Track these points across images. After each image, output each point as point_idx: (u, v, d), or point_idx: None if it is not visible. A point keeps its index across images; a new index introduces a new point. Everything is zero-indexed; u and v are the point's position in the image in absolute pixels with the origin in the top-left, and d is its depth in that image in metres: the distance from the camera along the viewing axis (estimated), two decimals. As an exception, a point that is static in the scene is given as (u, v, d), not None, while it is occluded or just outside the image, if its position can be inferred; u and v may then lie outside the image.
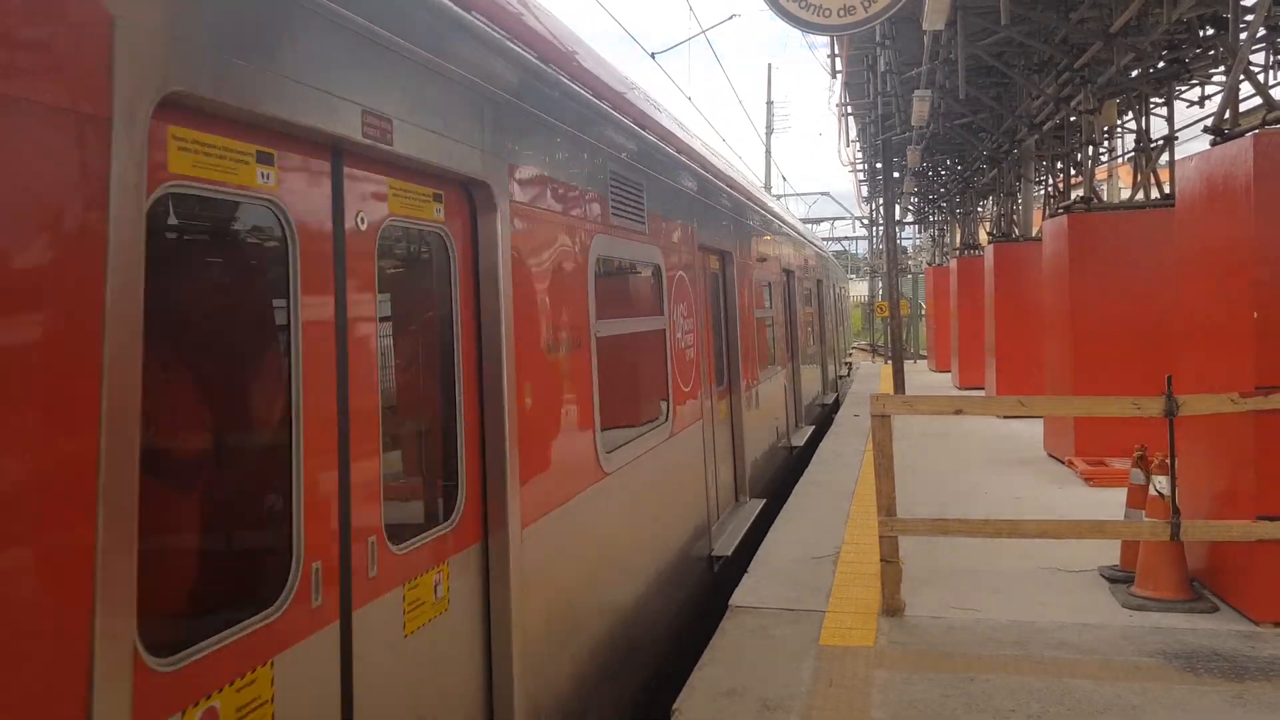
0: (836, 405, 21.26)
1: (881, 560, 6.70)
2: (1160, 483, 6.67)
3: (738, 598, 7.12)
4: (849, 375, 30.13)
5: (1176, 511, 6.41)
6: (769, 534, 9.02)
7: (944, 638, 6.22)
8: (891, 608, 6.67)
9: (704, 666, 5.87)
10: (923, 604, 6.82)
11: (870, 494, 6.94)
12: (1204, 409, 6.27)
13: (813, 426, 16.66)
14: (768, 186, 45.51)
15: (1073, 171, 14.56)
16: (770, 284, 12.93)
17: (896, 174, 23.44)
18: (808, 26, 8.27)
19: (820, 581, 7.47)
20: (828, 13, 8.14)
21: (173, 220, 2.47)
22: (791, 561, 8.06)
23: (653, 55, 22.39)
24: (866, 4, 8.04)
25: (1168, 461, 6.57)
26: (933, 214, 36.48)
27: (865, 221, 46.86)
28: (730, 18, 26.13)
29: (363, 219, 3.16)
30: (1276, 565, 6.11)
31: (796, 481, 11.66)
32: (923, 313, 39.61)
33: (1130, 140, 15.39)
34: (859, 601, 6.95)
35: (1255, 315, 6.08)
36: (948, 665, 5.77)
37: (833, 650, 6.07)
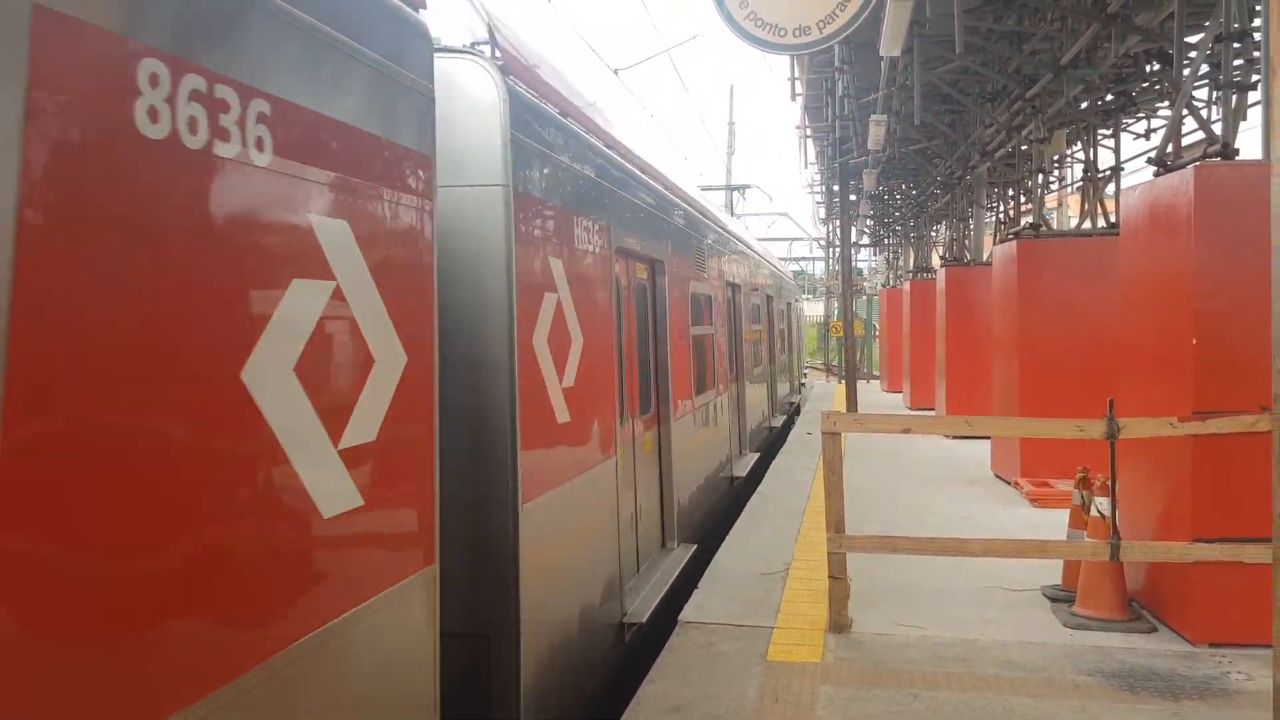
0: (787, 429, 20.30)
1: (830, 577, 6.77)
2: (1101, 504, 6.82)
3: (687, 614, 7.14)
4: (803, 395, 30.32)
5: (1116, 532, 6.56)
6: (719, 551, 9.06)
7: (890, 654, 6.29)
8: (839, 624, 6.73)
9: (651, 682, 5.89)
10: (870, 621, 6.90)
11: (821, 511, 7.01)
12: (1144, 432, 6.43)
13: (757, 454, 15.50)
14: (729, 207, 45.78)
15: (1023, 199, 14.86)
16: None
17: (853, 196, 23.73)
18: (764, 45, 8.38)
19: (769, 597, 7.53)
20: (783, 33, 8.26)
21: None
22: (742, 577, 8.11)
23: (616, 72, 22.53)
24: (821, 25, 8.17)
25: (1109, 483, 6.73)
26: (888, 237, 36.96)
27: (822, 243, 47.28)
28: (693, 37, 26.36)
29: None
30: (1212, 587, 6.26)
31: (737, 518, 10.81)
32: (876, 334, 40.05)
33: (1079, 170, 15.77)
34: (807, 618, 7.01)
35: (1194, 342, 6.25)
36: (893, 682, 5.84)
37: (780, 666, 6.12)
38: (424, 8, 4.08)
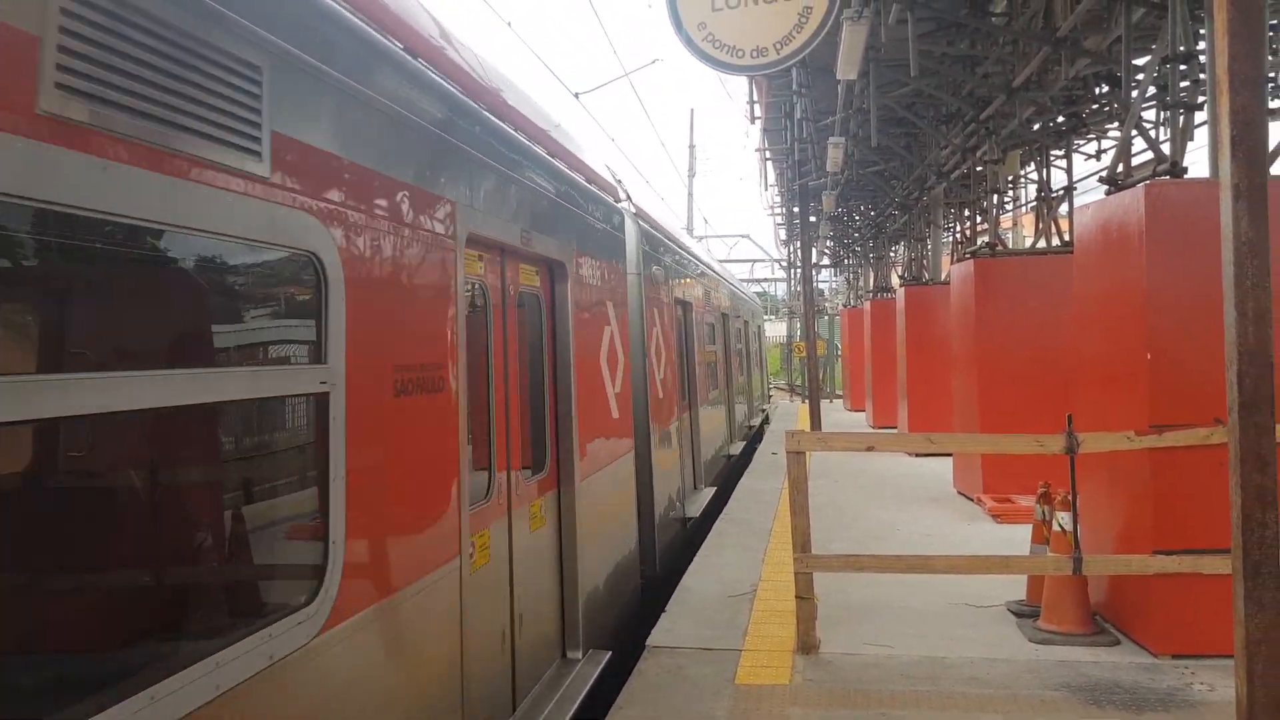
0: (748, 456, 18.41)
1: (797, 597, 6.77)
2: (1063, 519, 6.89)
3: (655, 638, 7.11)
4: (767, 414, 30.39)
5: (1078, 546, 6.63)
6: (687, 574, 9.04)
7: (858, 674, 6.30)
8: (807, 645, 6.73)
9: (620, 708, 5.84)
10: (837, 641, 6.90)
11: (787, 531, 7.02)
12: (1102, 446, 6.51)
13: (714, 489, 13.31)
14: (690, 229, 46.00)
15: (979, 219, 15.08)
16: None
17: (813, 218, 23.95)
18: (722, 66, 8.47)
19: (737, 619, 7.51)
20: (741, 54, 8.35)
21: None
22: (709, 600, 8.09)
23: (576, 95, 22.62)
24: (778, 47, 8.26)
25: (1069, 498, 6.81)
26: (848, 257, 37.33)
27: (784, 264, 47.65)
28: (653, 62, 26.55)
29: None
30: (1173, 598, 6.34)
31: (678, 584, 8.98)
32: (839, 353, 40.34)
33: (1033, 190, 16.04)
34: (775, 639, 7.00)
35: (1148, 356, 6.36)
36: (861, 702, 5.84)
37: (748, 689, 6.10)
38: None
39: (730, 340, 19.04)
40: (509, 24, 19.30)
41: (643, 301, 9.24)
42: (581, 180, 7.43)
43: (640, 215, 9.99)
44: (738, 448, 18.82)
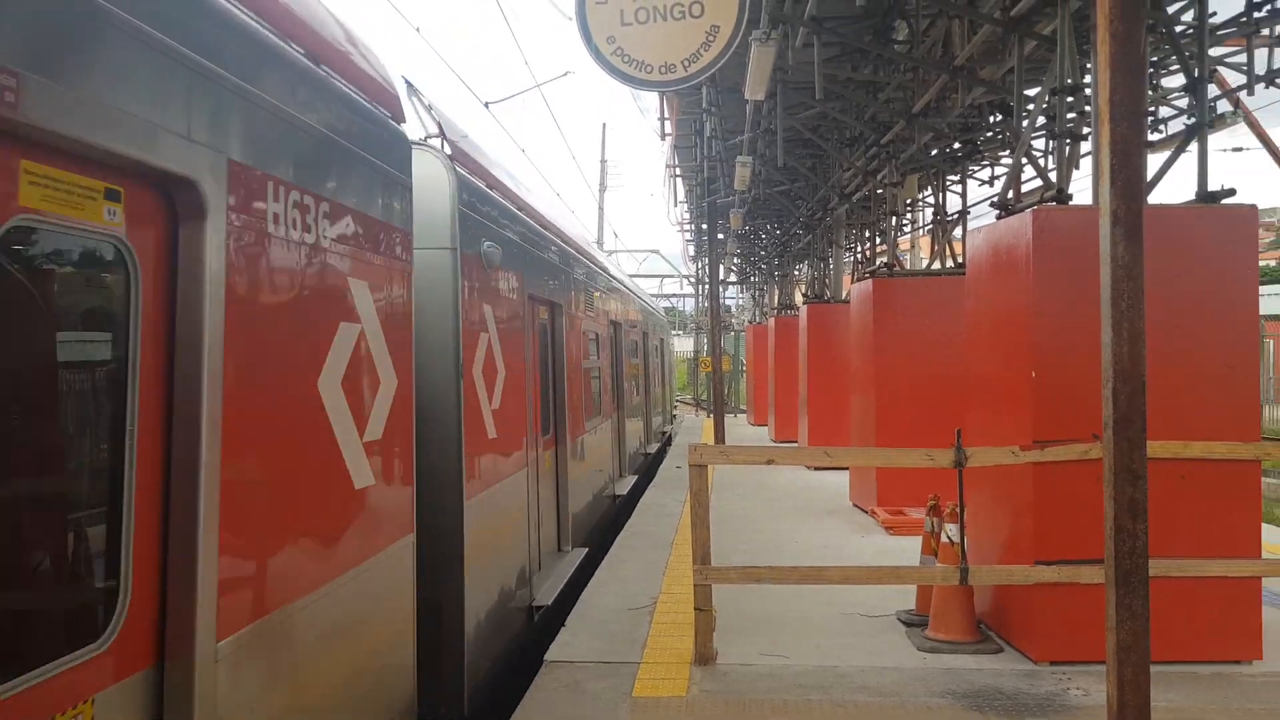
0: (637, 494, 15.47)
1: (695, 609, 6.81)
2: (951, 530, 7.10)
3: (553, 653, 7.06)
4: (674, 428, 30.55)
5: (965, 557, 6.84)
6: (588, 587, 9.01)
7: (753, 685, 6.37)
8: (704, 656, 6.78)
9: (516, 723, 5.80)
10: (734, 652, 6.97)
11: (689, 543, 7.07)
12: (988, 460, 6.74)
13: (585, 550, 10.61)
14: (600, 242, 46.08)
15: (878, 240, 15.48)
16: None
17: (721, 235, 24.27)
18: (631, 81, 8.54)
19: (636, 633, 7.53)
20: (650, 69, 8.43)
21: None
22: (609, 613, 8.09)
23: (487, 105, 22.48)
24: (686, 64, 8.37)
25: (958, 510, 7.02)
26: (754, 275, 37.88)
27: (692, 280, 48.09)
28: (565, 74, 26.56)
29: None
30: (1053, 607, 6.58)
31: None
32: (744, 369, 40.85)
33: (930, 213, 16.55)
34: (673, 651, 7.04)
35: (1033, 374, 6.61)
36: (755, 712, 5.91)
37: (645, 701, 6.11)
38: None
39: (621, 355, 16.33)
40: (417, 29, 19.13)
41: (460, 296, 6.21)
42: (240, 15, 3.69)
43: (464, 163, 6.72)
44: (625, 485, 15.50)
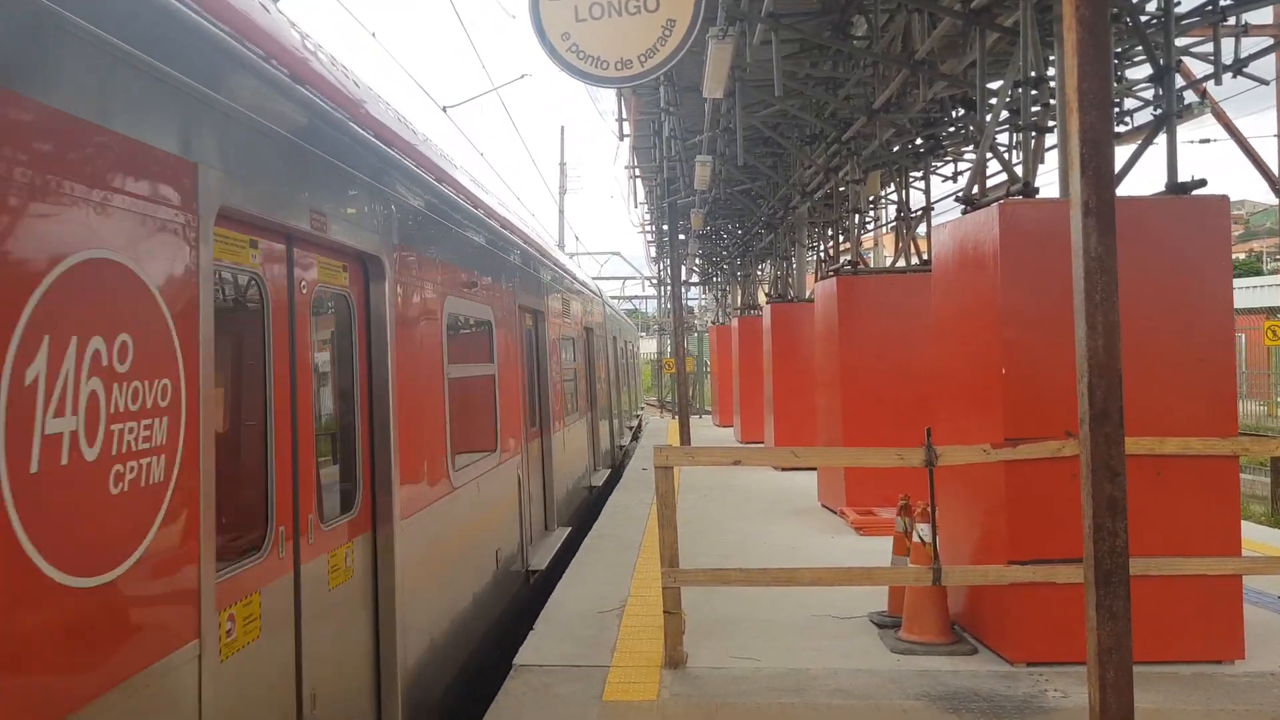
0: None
1: (664, 612, 6.68)
2: (922, 530, 7.01)
3: (522, 657, 6.91)
4: (638, 429, 30.40)
5: (937, 557, 6.75)
6: (556, 590, 8.86)
7: (725, 688, 6.24)
8: (674, 660, 6.65)
9: (484, 731, 5.64)
10: (705, 655, 6.84)
11: (656, 545, 6.94)
12: (959, 459, 6.64)
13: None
14: (561, 245, 45.85)
15: (842, 238, 15.44)
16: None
17: (682, 236, 24.16)
18: (586, 78, 8.40)
19: (605, 636, 7.38)
20: (605, 65, 8.30)
21: None
22: (577, 616, 7.94)
23: (444, 109, 22.22)
24: (642, 59, 8.25)
25: (929, 510, 6.93)
26: (716, 275, 37.86)
27: (654, 281, 48.01)
28: (521, 76, 26.37)
29: None
30: (1028, 608, 6.50)
31: None
32: (708, 369, 40.81)
33: (893, 210, 16.55)
34: (643, 655, 6.90)
35: (1003, 371, 6.53)
36: (728, 715, 5.79)
37: (615, 705, 5.98)
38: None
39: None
40: (373, 34, 18.84)
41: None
42: None
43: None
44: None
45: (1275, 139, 11.10)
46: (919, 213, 13.19)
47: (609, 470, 16.93)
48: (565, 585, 9.05)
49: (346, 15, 13.67)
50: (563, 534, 11.00)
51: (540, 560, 9.60)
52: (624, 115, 18.80)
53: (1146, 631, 5.85)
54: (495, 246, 8.77)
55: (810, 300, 16.12)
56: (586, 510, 13.92)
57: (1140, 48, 8.98)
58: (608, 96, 19.64)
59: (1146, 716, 5.38)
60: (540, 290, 10.98)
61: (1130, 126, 10.72)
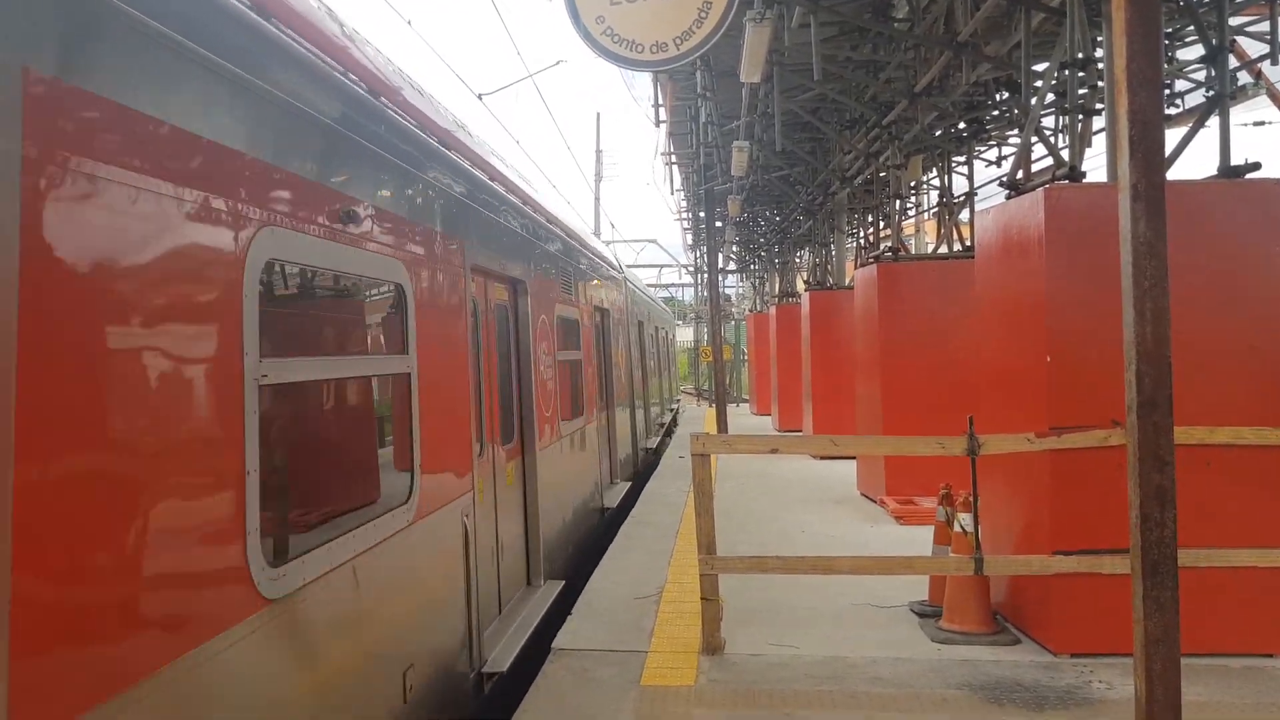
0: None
1: (702, 598, 6.68)
2: (964, 520, 6.93)
3: (560, 640, 6.96)
4: (675, 417, 30.34)
5: (979, 547, 6.66)
6: (593, 576, 8.90)
7: (763, 675, 6.23)
8: (712, 646, 6.64)
9: (525, 712, 5.68)
10: (743, 641, 6.83)
11: (693, 533, 6.93)
12: (1002, 448, 6.55)
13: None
14: (597, 232, 45.89)
15: (882, 224, 15.28)
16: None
17: (719, 223, 24.06)
18: (622, 61, 8.35)
19: (643, 621, 7.40)
20: (641, 49, 8.24)
21: None
22: (615, 602, 7.97)
23: (480, 97, 22.26)
24: (678, 42, 8.18)
25: (971, 499, 6.85)
26: (753, 262, 37.65)
27: (691, 269, 47.85)
28: (557, 63, 26.34)
29: None
30: (1072, 598, 6.41)
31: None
32: (745, 358, 40.66)
33: (935, 195, 16.34)
34: (680, 640, 6.90)
35: (1048, 359, 6.43)
36: (766, 702, 5.77)
37: (654, 690, 5.99)
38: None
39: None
40: (409, 22, 18.88)
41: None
42: None
43: None
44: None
45: (1331, 121, 10.79)
46: (961, 198, 13.01)
47: (629, 484, 15.08)
48: (602, 572, 9.08)
49: (382, 3, 13.67)
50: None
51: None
52: (660, 101, 18.71)
53: (1195, 623, 5.74)
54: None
55: (850, 287, 16.00)
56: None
57: (1192, 27, 8.75)
58: (643, 83, 19.54)
59: (1194, 709, 5.27)
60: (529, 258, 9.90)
61: (1181, 109, 10.45)
